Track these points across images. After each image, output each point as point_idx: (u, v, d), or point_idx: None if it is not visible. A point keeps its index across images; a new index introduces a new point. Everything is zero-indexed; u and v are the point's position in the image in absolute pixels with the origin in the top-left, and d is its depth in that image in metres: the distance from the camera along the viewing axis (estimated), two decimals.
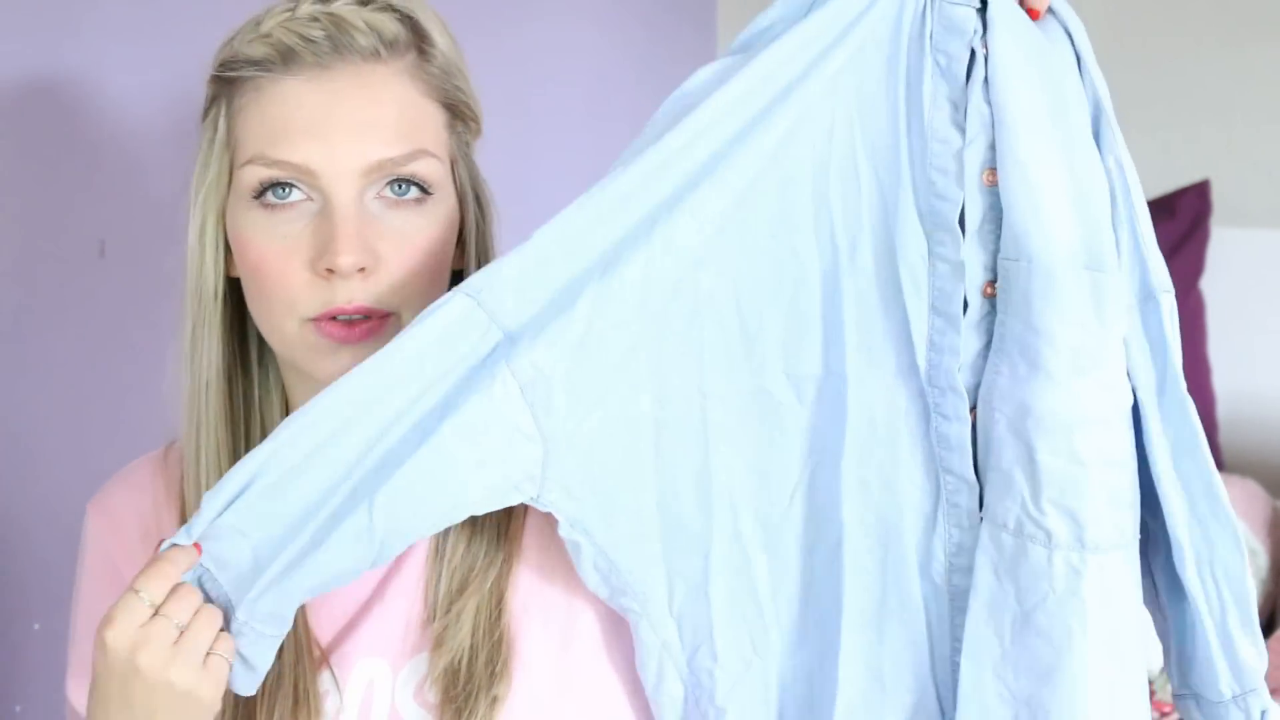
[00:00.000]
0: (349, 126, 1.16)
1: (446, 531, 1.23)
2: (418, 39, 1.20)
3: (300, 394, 1.25)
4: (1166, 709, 2.13)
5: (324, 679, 1.24)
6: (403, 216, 1.18)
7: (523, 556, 1.24)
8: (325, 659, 1.24)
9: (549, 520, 1.16)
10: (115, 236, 1.75)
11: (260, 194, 1.17)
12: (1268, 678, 2.18)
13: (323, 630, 1.26)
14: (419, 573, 1.25)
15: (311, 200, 1.17)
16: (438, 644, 1.22)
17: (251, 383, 1.26)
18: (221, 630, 1.08)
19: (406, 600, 1.25)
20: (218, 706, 1.09)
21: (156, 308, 1.78)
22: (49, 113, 1.67)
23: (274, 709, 1.21)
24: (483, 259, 1.25)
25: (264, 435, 1.23)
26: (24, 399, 1.67)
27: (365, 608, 1.25)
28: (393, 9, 1.20)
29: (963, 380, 1.07)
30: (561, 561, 1.19)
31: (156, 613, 1.06)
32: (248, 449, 1.22)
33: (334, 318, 1.16)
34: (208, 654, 1.07)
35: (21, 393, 1.66)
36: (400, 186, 1.18)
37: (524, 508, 1.22)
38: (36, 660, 1.69)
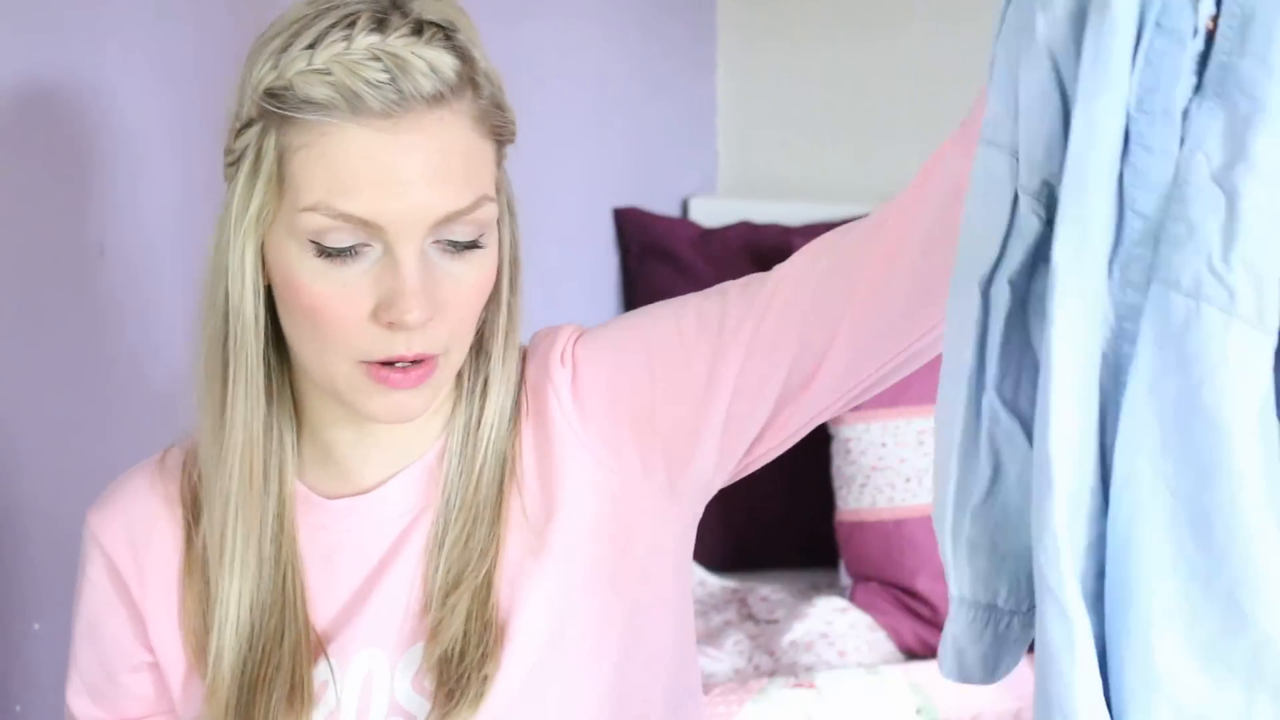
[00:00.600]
0: (417, 180, 1.14)
1: (446, 522, 1.24)
2: (469, 70, 1.17)
3: (319, 404, 1.25)
4: None
5: (321, 669, 1.25)
6: (461, 262, 1.17)
7: (508, 541, 1.25)
8: (323, 649, 1.25)
9: (530, 494, 1.20)
10: (115, 237, 1.75)
11: (319, 239, 1.15)
12: None
13: (320, 620, 1.26)
14: (417, 562, 1.25)
15: (372, 247, 1.15)
16: (433, 635, 1.23)
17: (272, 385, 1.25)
18: None
19: (404, 590, 1.25)
20: None
21: (156, 308, 1.78)
22: (49, 114, 1.67)
23: (271, 698, 1.22)
24: (514, 259, 1.25)
25: (273, 438, 1.24)
26: (23, 399, 1.67)
27: (362, 598, 1.26)
28: (444, 35, 1.16)
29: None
30: (545, 530, 1.22)
31: None
32: (266, 455, 1.23)
33: (390, 363, 1.16)
34: None
35: (20, 393, 1.66)
36: (460, 239, 1.17)
37: (512, 491, 1.24)
38: (36, 660, 1.69)
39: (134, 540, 1.29)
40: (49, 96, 1.67)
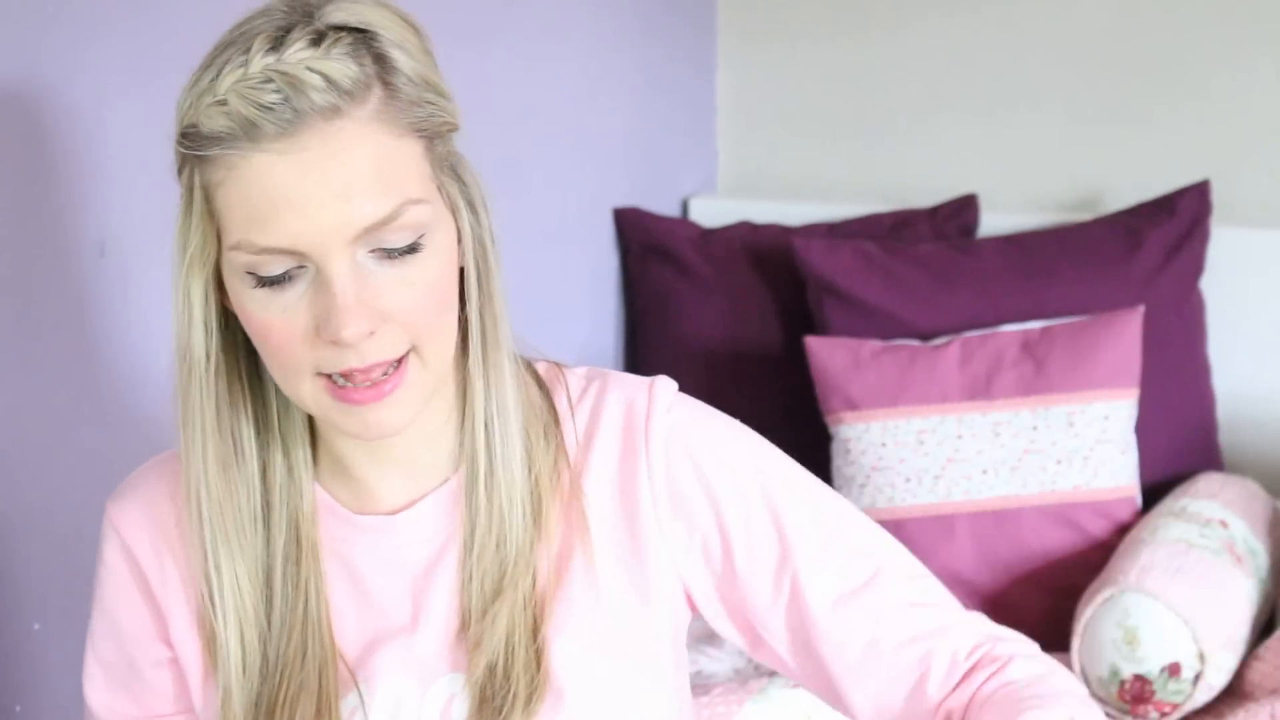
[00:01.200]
0: (325, 199, 1.10)
1: (473, 531, 1.23)
2: (379, 69, 1.13)
3: (335, 432, 1.24)
4: (1167, 709, 2.13)
5: (350, 699, 1.24)
6: (401, 266, 1.14)
7: (561, 558, 1.25)
8: (352, 677, 1.24)
9: (603, 521, 1.21)
10: (115, 237, 1.75)
11: (254, 270, 1.13)
12: (1267, 678, 2.19)
13: (351, 648, 1.25)
14: (450, 587, 1.24)
15: (306, 268, 1.13)
16: (475, 647, 1.22)
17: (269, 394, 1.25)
18: None
19: (441, 616, 1.24)
20: None
21: (156, 308, 1.78)
22: (49, 114, 1.67)
23: None
24: (481, 255, 1.21)
25: (275, 451, 1.24)
26: (23, 399, 1.67)
27: (392, 624, 1.25)
28: (349, 32, 1.12)
29: None
30: (591, 568, 1.23)
31: None
32: (265, 470, 1.24)
33: (348, 379, 1.14)
34: None
35: (20, 392, 1.66)
36: (393, 246, 1.14)
37: (558, 500, 1.24)
38: (36, 660, 1.69)
39: (155, 533, 1.27)
40: (49, 97, 1.67)
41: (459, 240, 1.19)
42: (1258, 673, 2.17)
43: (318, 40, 1.11)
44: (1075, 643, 2.17)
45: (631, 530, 1.25)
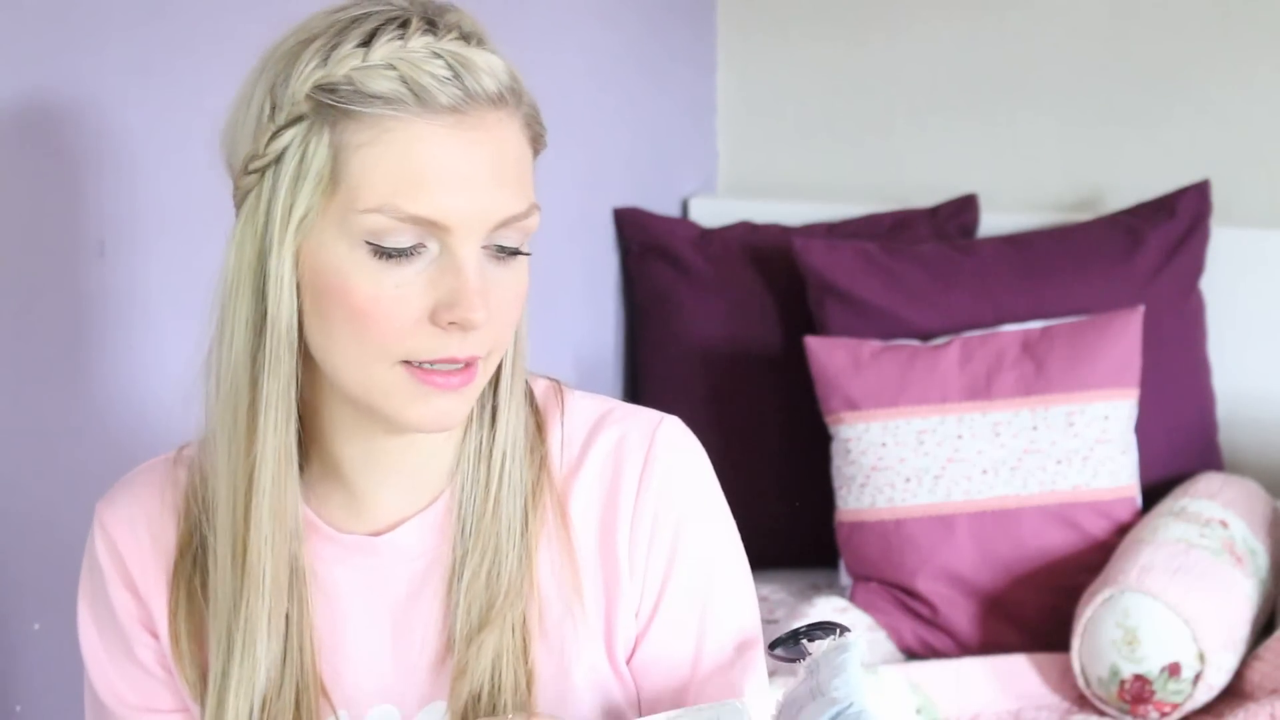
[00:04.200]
0: (485, 180, 1.11)
1: (464, 553, 1.21)
2: (514, 80, 1.16)
3: (334, 426, 1.20)
4: (1167, 709, 2.13)
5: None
6: (506, 270, 1.15)
7: (553, 587, 1.23)
8: (330, 705, 1.22)
9: (589, 551, 1.19)
10: (115, 236, 1.75)
11: (378, 240, 1.11)
12: (1267, 678, 2.19)
13: (335, 677, 1.23)
14: (435, 610, 1.23)
15: (429, 247, 1.12)
16: (459, 675, 1.20)
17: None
18: None
19: (420, 641, 1.23)
20: None
21: (156, 307, 1.78)
22: (49, 114, 1.67)
23: None
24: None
25: (282, 463, 1.19)
26: (22, 399, 1.67)
27: (374, 650, 1.23)
28: (485, 44, 1.15)
29: None
30: (568, 597, 1.21)
31: None
32: (272, 482, 1.19)
33: (435, 366, 1.13)
34: None
35: (20, 392, 1.66)
36: (508, 245, 1.14)
37: (545, 531, 1.22)
38: (36, 660, 1.69)
39: (142, 538, 1.26)
40: (49, 97, 1.67)
41: None
42: (1258, 673, 2.17)
43: (466, 37, 1.13)
44: (1075, 643, 2.17)
45: (606, 561, 1.24)
